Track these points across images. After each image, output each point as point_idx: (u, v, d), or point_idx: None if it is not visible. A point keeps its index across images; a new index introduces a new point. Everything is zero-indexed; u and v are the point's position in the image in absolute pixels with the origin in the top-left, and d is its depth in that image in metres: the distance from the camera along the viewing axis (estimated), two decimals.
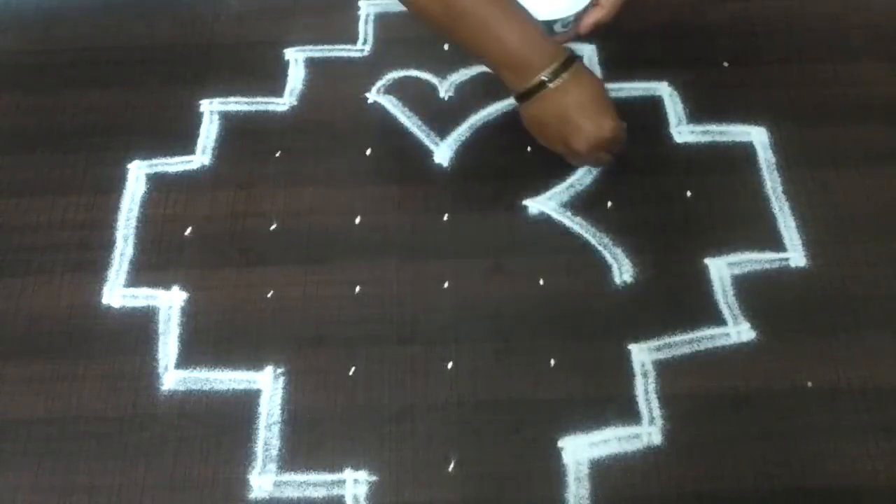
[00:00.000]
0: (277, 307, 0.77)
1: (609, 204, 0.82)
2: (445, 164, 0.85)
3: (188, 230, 0.82)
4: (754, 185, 0.83)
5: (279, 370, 0.74)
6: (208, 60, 0.92)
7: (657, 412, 0.72)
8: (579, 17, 0.75)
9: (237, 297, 0.78)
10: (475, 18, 0.71)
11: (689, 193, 0.83)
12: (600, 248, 0.80)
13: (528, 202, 0.82)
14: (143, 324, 0.76)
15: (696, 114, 0.87)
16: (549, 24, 0.75)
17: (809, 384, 0.73)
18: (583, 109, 0.73)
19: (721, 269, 0.78)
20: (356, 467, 0.70)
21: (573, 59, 0.73)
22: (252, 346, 0.75)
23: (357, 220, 0.82)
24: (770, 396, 0.72)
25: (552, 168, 0.84)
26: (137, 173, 0.85)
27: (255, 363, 0.74)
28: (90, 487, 0.69)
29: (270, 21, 0.96)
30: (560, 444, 0.70)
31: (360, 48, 0.93)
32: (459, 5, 0.71)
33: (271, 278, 0.79)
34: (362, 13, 0.96)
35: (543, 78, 0.72)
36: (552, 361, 0.74)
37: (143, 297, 0.78)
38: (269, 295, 0.78)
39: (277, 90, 0.90)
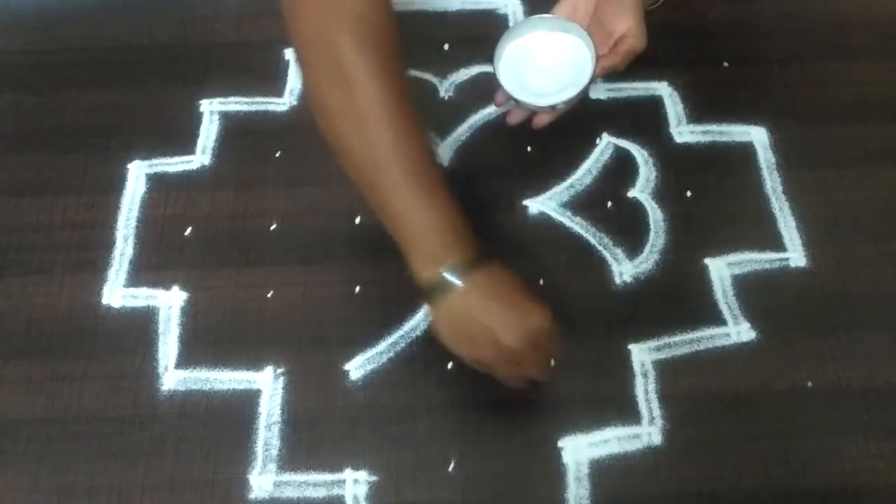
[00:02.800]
0: (277, 307, 0.77)
1: (609, 204, 0.82)
2: (445, 164, 0.85)
3: (188, 230, 0.82)
4: (754, 185, 0.83)
5: (279, 370, 0.74)
6: (208, 60, 0.92)
7: (657, 412, 0.72)
8: (581, 93, 0.73)
9: (237, 297, 0.78)
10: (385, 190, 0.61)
11: (689, 193, 0.83)
12: (600, 248, 0.80)
13: (528, 202, 0.82)
14: (143, 324, 0.76)
15: (696, 114, 0.87)
16: (551, 107, 0.74)
17: (809, 384, 0.73)
18: (503, 302, 0.61)
19: (721, 269, 0.78)
20: (356, 467, 0.70)
21: (485, 258, 0.62)
22: (252, 346, 0.75)
23: (357, 220, 0.82)
24: (770, 396, 0.72)
25: (552, 168, 0.84)
26: (137, 173, 0.85)
27: (255, 363, 0.74)
28: (90, 488, 0.69)
29: (270, 21, 0.95)
30: (560, 444, 0.71)
31: None
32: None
33: (271, 278, 0.79)
34: None
35: (448, 275, 0.59)
36: (552, 362, 0.74)
37: (143, 297, 0.78)
38: (269, 295, 0.78)
39: (277, 90, 0.90)
